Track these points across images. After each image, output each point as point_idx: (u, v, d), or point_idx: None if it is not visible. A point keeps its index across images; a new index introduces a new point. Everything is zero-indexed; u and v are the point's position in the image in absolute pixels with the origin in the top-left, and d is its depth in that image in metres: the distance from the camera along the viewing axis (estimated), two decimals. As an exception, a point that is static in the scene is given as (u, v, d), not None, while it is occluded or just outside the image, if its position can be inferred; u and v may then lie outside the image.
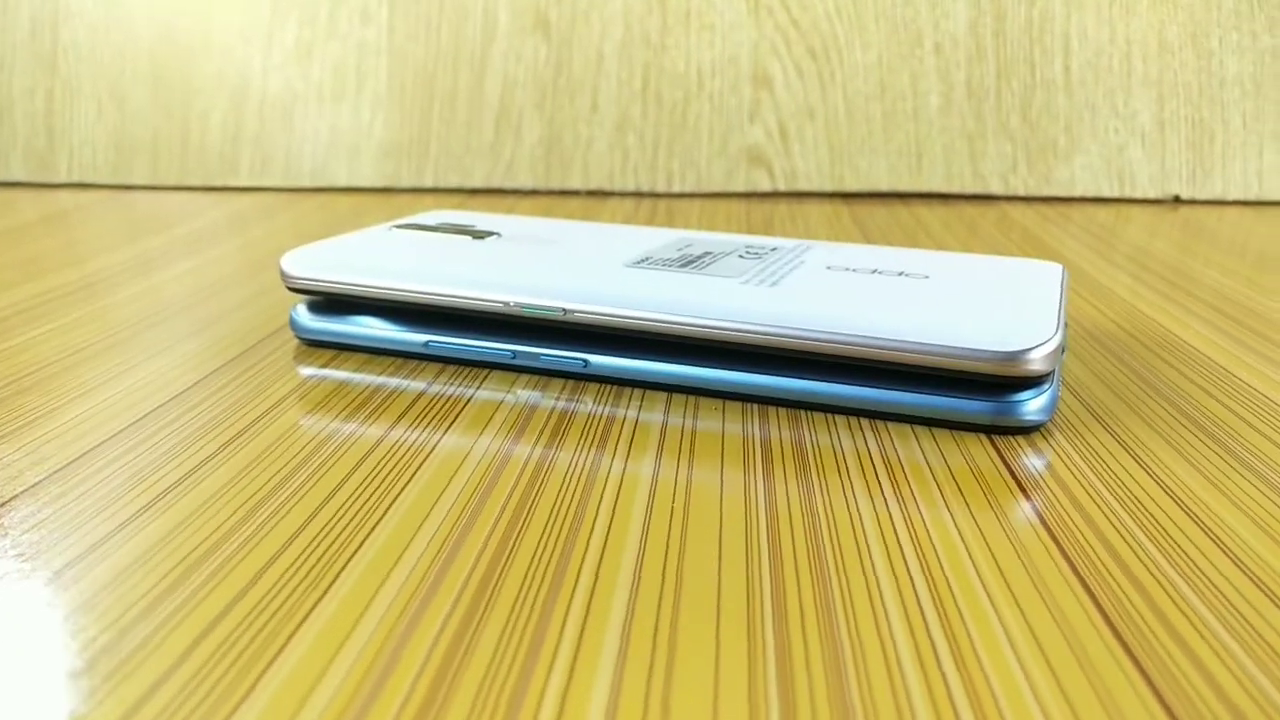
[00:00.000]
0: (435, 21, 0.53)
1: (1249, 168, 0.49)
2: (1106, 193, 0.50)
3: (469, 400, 0.23)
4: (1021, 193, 0.50)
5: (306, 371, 0.25)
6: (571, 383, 0.24)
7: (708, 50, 0.51)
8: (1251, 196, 0.49)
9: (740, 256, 0.27)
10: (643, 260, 0.26)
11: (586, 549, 0.16)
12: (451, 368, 0.25)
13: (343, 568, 0.16)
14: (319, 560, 0.16)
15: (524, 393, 0.24)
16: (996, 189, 0.50)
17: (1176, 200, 0.49)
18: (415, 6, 0.52)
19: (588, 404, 0.23)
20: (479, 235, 0.29)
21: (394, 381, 0.24)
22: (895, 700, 0.13)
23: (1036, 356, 0.21)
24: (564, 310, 0.24)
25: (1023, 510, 0.18)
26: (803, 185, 0.51)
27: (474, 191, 0.52)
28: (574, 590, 0.15)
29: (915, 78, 0.50)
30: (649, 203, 0.50)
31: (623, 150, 0.52)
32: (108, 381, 0.24)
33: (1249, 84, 0.49)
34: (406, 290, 0.25)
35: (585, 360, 0.24)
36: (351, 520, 0.17)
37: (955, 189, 0.50)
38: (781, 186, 0.51)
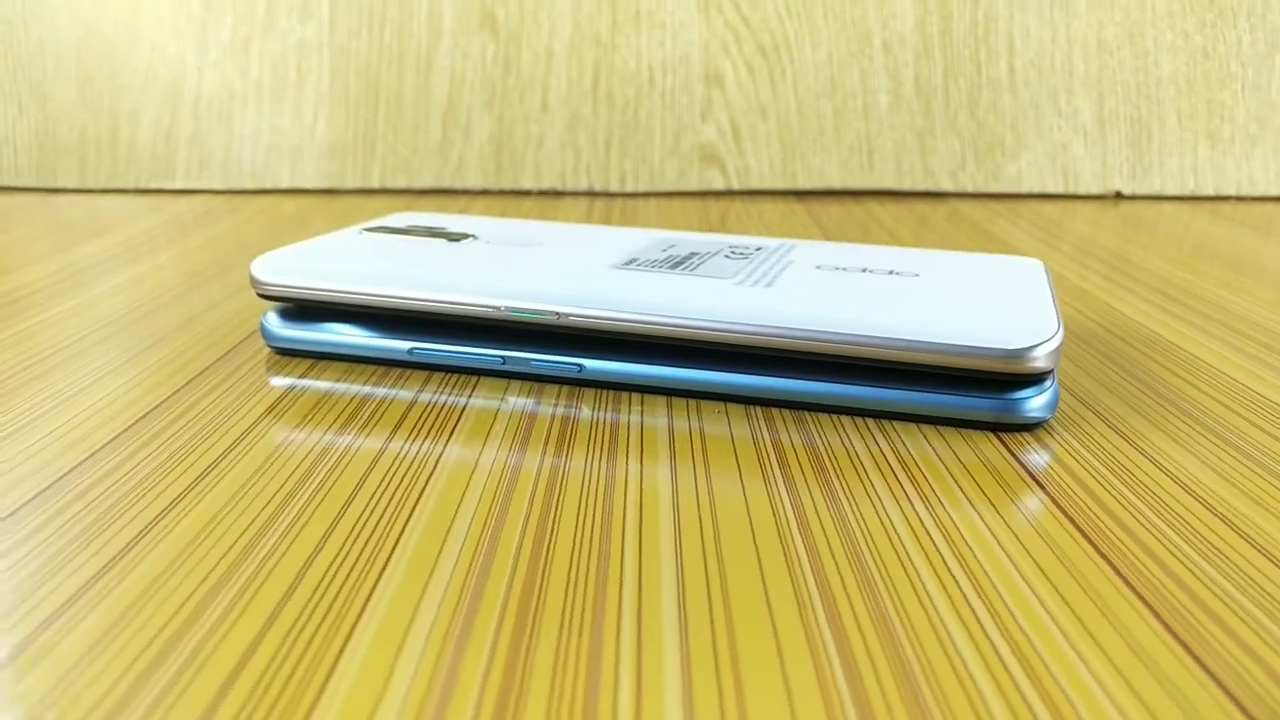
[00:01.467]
0: (379, 18, 0.51)
1: (1184, 164, 0.51)
2: (1052, 189, 0.51)
3: (464, 409, 0.22)
4: (970, 189, 0.51)
5: (282, 383, 0.24)
6: (566, 388, 0.24)
7: (658, 48, 0.51)
8: (1188, 191, 0.51)
9: (726, 257, 0.27)
10: (630, 262, 0.26)
11: (623, 562, 0.16)
12: (438, 375, 0.25)
13: (369, 595, 0.15)
14: (341, 589, 0.15)
15: (517, 400, 0.23)
16: (947, 186, 0.51)
17: (1118, 196, 0.51)
18: (357, 2, 0.51)
19: (587, 410, 0.22)
20: (454, 238, 0.29)
21: (380, 391, 0.24)
22: (969, 699, 0.12)
23: (1041, 354, 0.21)
24: (558, 314, 0.23)
25: (1043, 504, 0.18)
26: (756, 183, 0.51)
27: (423, 192, 0.51)
28: (620, 604, 0.14)
29: (865, 75, 0.51)
30: (603, 202, 0.50)
31: (574, 149, 0.51)
32: (49, 411, 0.23)
33: (1182, 83, 0.50)
34: (390, 296, 0.24)
35: (580, 365, 0.24)
36: (368, 544, 0.16)
37: (906, 186, 0.51)
38: (735, 185, 0.51)
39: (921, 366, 0.21)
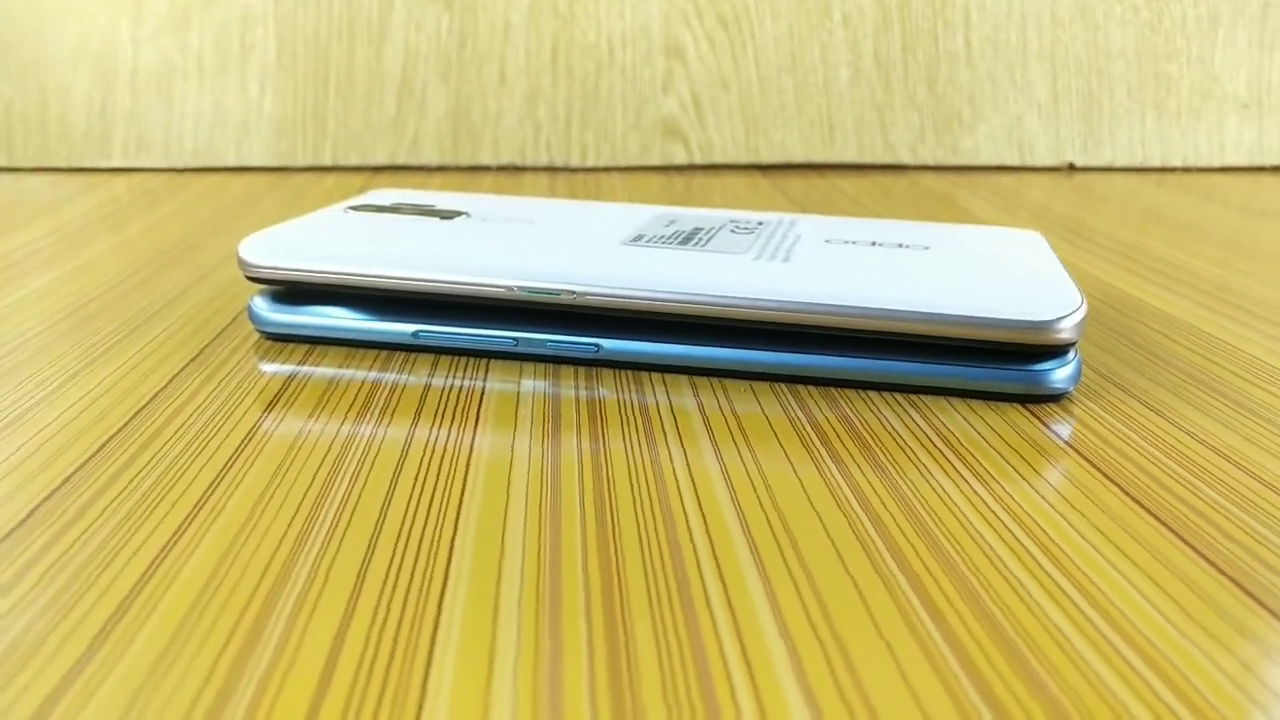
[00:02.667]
0: (326, -12, 0.49)
1: (1133, 136, 0.52)
2: (1009, 161, 0.51)
3: (483, 393, 0.22)
4: (930, 162, 0.51)
5: (280, 370, 0.23)
6: (583, 370, 0.23)
7: (618, 20, 0.50)
8: (1137, 163, 0.52)
9: (732, 232, 0.26)
10: (637, 238, 0.25)
11: (695, 552, 0.15)
12: (444, 359, 0.24)
13: (441, 596, 0.14)
14: (410, 592, 0.14)
15: (533, 383, 0.22)
16: (906, 159, 0.51)
17: (1071, 168, 0.52)
18: (302, -29, 0.49)
19: (609, 391, 0.22)
20: (446, 215, 0.28)
21: (388, 376, 0.23)
22: (1072, 662, 0.12)
23: (1067, 325, 0.21)
24: (574, 293, 0.22)
25: (1086, 470, 0.18)
26: (719, 158, 0.51)
27: (378, 169, 0.50)
28: (706, 596, 0.14)
29: (825, 49, 0.51)
30: (564, 178, 0.49)
31: (534, 123, 0.50)
32: (7, 427, 0.21)
33: (1131, 56, 0.51)
34: (394, 276, 0.23)
35: (598, 345, 0.23)
36: (423, 543, 0.16)
37: (867, 159, 0.51)
38: (698, 159, 0.51)
39: (951, 340, 0.21)
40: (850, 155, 0.51)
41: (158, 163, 0.49)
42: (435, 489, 0.17)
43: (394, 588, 0.14)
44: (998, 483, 0.18)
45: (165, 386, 0.22)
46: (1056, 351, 0.21)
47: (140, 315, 0.27)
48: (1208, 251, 0.35)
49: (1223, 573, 0.15)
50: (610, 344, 0.23)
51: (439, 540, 0.15)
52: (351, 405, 0.21)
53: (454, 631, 0.13)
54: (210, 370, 0.23)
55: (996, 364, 0.21)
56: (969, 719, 0.12)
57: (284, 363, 0.23)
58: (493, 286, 0.23)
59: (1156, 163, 0.52)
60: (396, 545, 0.15)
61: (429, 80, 0.50)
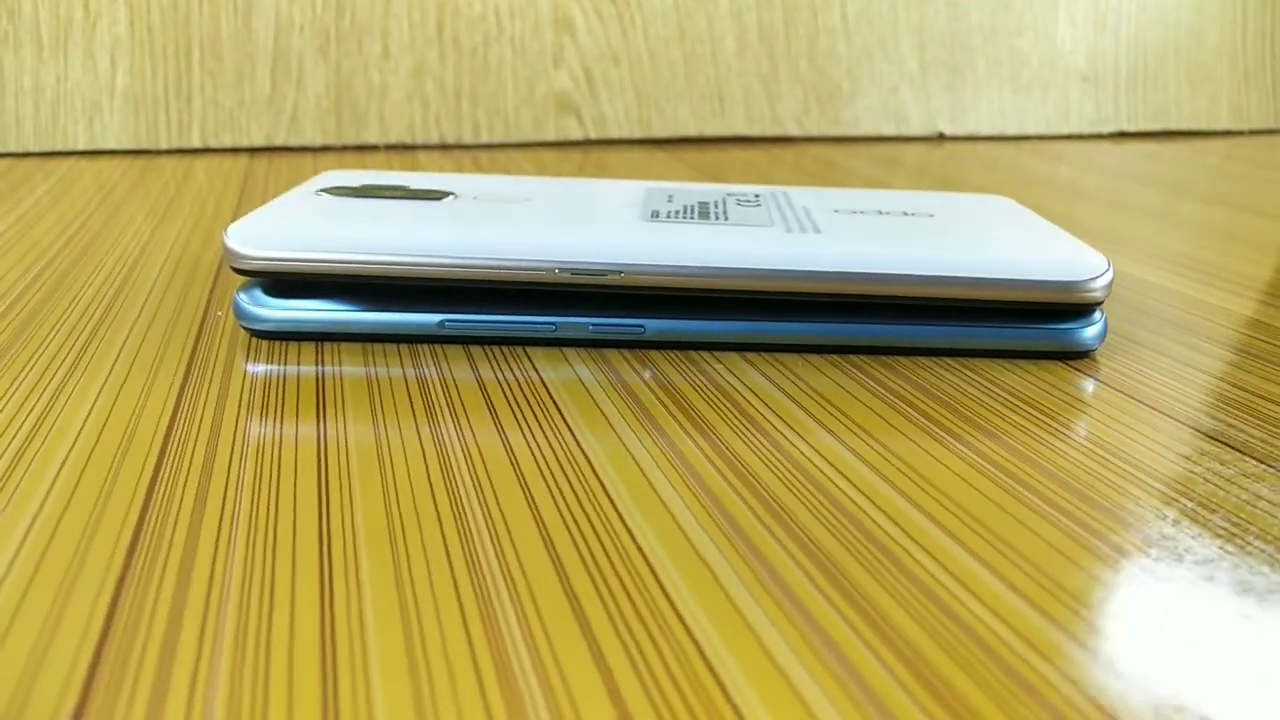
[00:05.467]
0: (180, -50, 0.45)
1: (993, 107, 0.55)
2: (886, 131, 0.54)
3: (545, 385, 0.20)
4: (815, 133, 0.53)
5: (297, 371, 0.21)
6: (628, 352, 0.22)
7: (504, -9, 0.48)
8: (997, 132, 0.55)
9: (740, 204, 0.26)
10: (654, 214, 0.24)
11: (888, 533, 0.15)
12: (477, 349, 0.22)
13: (681, 619, 0.13)
14: (635, 608, 0.13)
15: (585, 369, 0.21)
16: (794, 130, 0.52)
17: (941, 137, 0.55)
18: (151, -69, 0.44)
19: (673, 374, 0.21)
20: (434, 196, 0.26)
21: (428, 372, 0.21)
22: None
23: (1099, 285, 0.22)
24: (620, 272, 0.22)
25: (1155, 414, 0.19)
26: (613, 132, 0.50)
27: (255, 150, 0.46)
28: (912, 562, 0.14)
29: (711, 21, 0.51)
30: (461, 155, 0.47)
31: (422, 99, 0.48)
32: None
33: (988, 31, 0.55)
34: (422, 263, 0.21)
35: (642, 326, 0.22)
36: (614, 563, 0.15)
37: (757, 132, 0.52)
38: (592, 134, 0.50)
39: (995, 303, 0.22)
40: (740, 128, 0.52)
41: (-9, 147, 0.43)
42: (578, 497, 0.16)
43: (622, 618, 0.13)
44: (1097, 431, 0.18)
45: (175, 413, 0.19)
46: (1086, 310, 0.23)
47: (69, 327, 0.24)
48: (1092, 208, 0.38)
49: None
50: (655, 324, 0.22)
51: (626, 555, 0.14)
52: (413, 406, 0.19)
53: (723, 639, 0.12)
54: (204, 382, 0.20)
55: (1032, 324, 0.22)
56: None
57: (297, 364, 0.21)
58: (533, 269, 0.22)
59: (1014, 131, 0.55)
60: (590, 572, 0.14)
61: (305, 53, 0.46)
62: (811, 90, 0.52)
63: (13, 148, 0.43)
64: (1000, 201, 0.28)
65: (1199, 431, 0.19)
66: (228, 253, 0.22)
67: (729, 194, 0.27)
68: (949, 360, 0.22)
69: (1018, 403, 0.20)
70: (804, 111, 0.52)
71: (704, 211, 0.25)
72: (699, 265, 0.22)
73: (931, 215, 0.26)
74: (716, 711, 0.11)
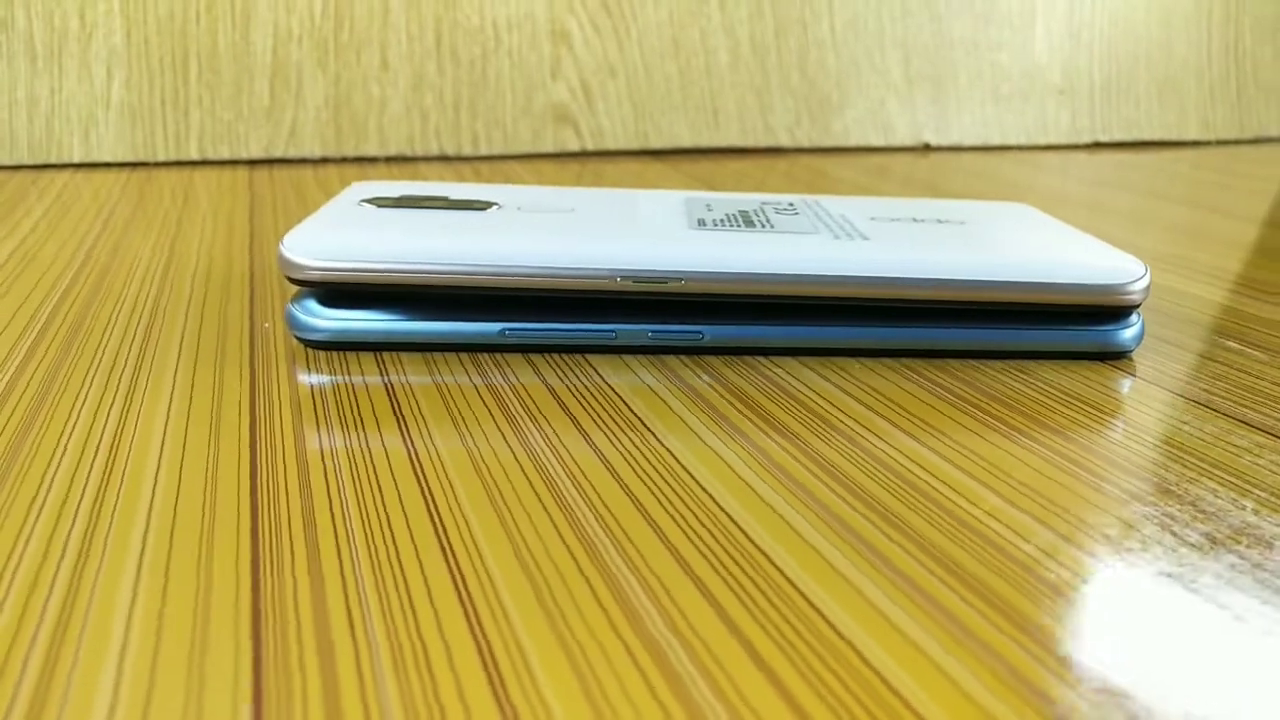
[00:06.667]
0: (176, -38, 0.44)
1: (975, 119, 0.57)
2: (874, 142, 0.55)
3: (614, 390, 0.21)
4: (806, 145, 0.53)
5: (363, 381, 0.21)
6: (686, 359, 0.23)
7: (502, 5, 0.48)
8: (980, 142, 0.57)
9: (778, 212, 0.26)
10: (700, 223, 0.25)
11: (1002, 538, 0.16)
12: (540, 357, 0.22)
13: (834, 614, 0.14)
14: (794, 613, 0.14)
15: (649, 375, 0.22)
16: (785, 142, 0.53)
17: (927, 148, 0.56)
18: (146, -58, 0.44)
19: (737, 378, 0.21)
20: (478, 206, 0.26)
21: (496, 379, 0.21)
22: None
23: (1138, 288, 0.23)
24: (680, 278, 0.22)
25: (1202, 408, 0.20)
26: (610, 144, 0.51)
27: (255, 163, 0.45)
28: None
29: (704, 34, 0.52)
30: (462, 166, 0.47)
31: (421, 111, 0.48)
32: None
33: (970, 45, 0.56)
34: (487, 271, 0.22)
35: (701, 332, 0.23)
36: (752, 575, 0.15)
37: (750, 143, 0.53)
38: (590, 146, 0.50)
39: (1043, 306, 0.23)
40: (734, 139, 0.52)
41: (-16, 160, 0.42)
42: (684, 501, 0.16)
43: (761, 612, 0.14)
44: (1162, 425, 0.19)
45: (253, 428, 0.19)
46: (1125, 312, 0.23)
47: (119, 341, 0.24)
48: (1073, 212, 0.39)
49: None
50: (713, 330, 0.23)
51: (749, 556, 0.15)
52: (490, 414, 0.19)
53: (871, 637, 0.13)
54: (280, 394, 0.20)
55: (1075, 327, 0.23)
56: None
57: (361, 374, 0.21)
58: (596, 277, 0.22)
59: (997, 142, 0.57)
60: (719, 573, 0.15)
61: (304, 65, 0.46)
62: (803, 102, 0.53)
63: (6, 160, 0.42)
64: (1022, 209, 0.29)
65: (1247, 425, 0.20)
66: (286, 264, 0.22)
67: (764, 203, 0.28)
68: (997, 362, 0.23)
69: (1074, 400, 0.21)
70: (795, 123, 0.53)
71: (747, 220, 0.25)
72: (761, 272, 0.22)
73: (963, 223, 0.27)
74: (873, 692, 0.12)
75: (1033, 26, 0.57)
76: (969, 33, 0.56)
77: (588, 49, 0.50)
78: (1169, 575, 0.14)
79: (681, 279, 0.22)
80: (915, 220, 0.27)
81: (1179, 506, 0.16)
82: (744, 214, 0.26)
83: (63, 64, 0.43)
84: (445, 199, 0.27)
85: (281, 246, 0.22)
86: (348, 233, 0.23)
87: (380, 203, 0.26)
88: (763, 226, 0.25)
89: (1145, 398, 0.21)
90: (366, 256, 0.22)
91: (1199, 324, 0.26)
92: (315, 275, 0.22)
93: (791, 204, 0.28)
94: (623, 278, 0.22)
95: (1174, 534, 0.15)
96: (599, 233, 0.24)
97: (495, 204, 0.26)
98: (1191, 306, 0.28)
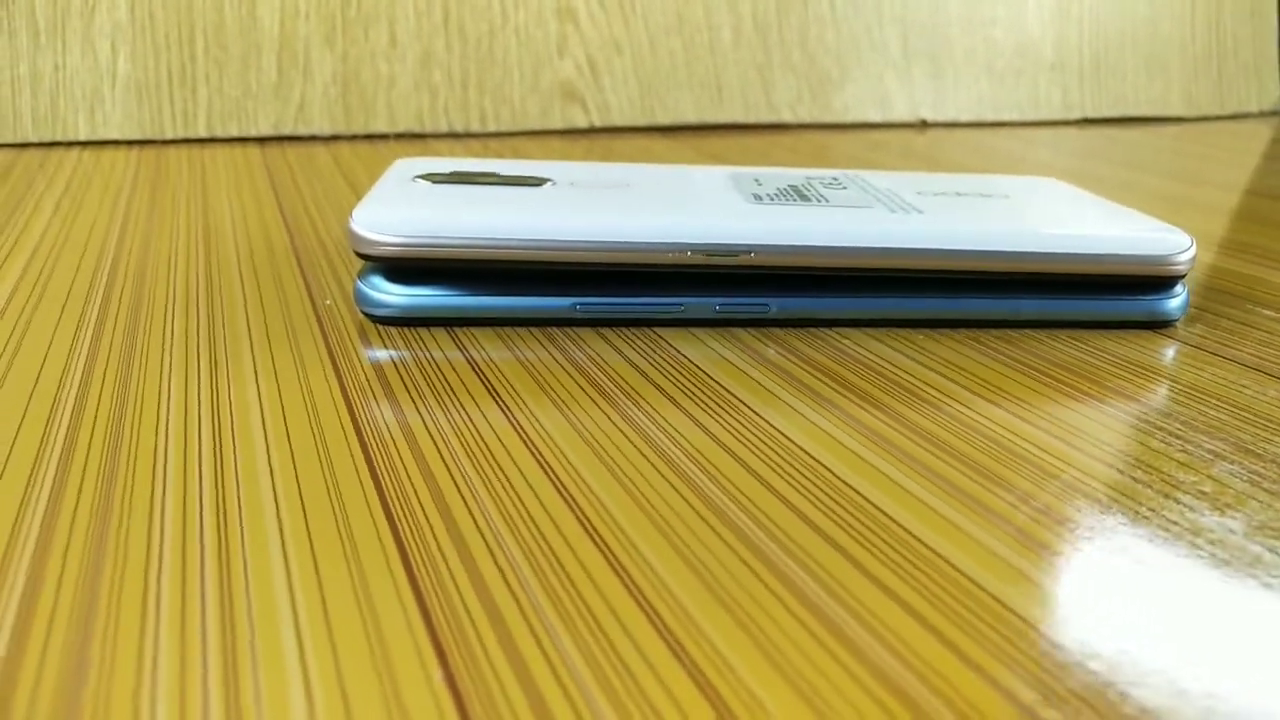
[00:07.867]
0: (179, -65, 0.43)
1: (970, 95, 0.57)
2: (873, 118, 0.55)
3: (693, 363, 0.21)
4: (808, 121, 0.54)
5: (444, 357, 0.21)
6: (754, 330, 0.23)
7: (508, -21, 0.48)
8: (975, 118, 0.58)
9: (827, 186, 0.27)
10: (755, 198, 0.25)
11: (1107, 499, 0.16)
12: (615, 331, 0.23)
13: (955, 588, 0.14)
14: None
15: (722, 347, 0.22)
16: (788, 118, 0.54)
17: (924, 124, 0.57)
18: (149, -85, 0.43)
19: (797, 349, 0.22)
20: (534, 182, 0.26)
21: (576, 354, 0.21)
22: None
23: (1185, 259, 0.24)
24: (750, 251, 0.22)
25: (1257, 373, 0.21)
26: (617, 120, 0.51)
27: (264, 140, 0.45)
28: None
29: (708, 11, 0.52)
30: (467, 142, 0.47)
31: (429, 88, 0.47)
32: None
33: (964, 21, 0.57)
34: (561, 245, 0.22)
35: (767, 304, 0.23)
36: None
37: (754, 119, 0.53)
38: (597, 122, 0.50)
39: (1097, 277, 0.23)
40: (738, 115, 0.53)
41: (-12, 138, 0.41)
42: (803, 474, 0.17)
43: (917, 592, 0.14)
44: (1211, 385, 0.20)
45: (349, 406, 0.19)
46: (1171, 282, 0.24)
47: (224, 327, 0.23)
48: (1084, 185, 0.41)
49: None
50: (780, 302, 0.23)
51: (893, 535, 0.15)
52: (582, 389, 0.20)
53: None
54: (364, 370, 0.21)
55: (1124, 296, 0.24)
56: None
57: (439, 348, 0.21)
58: (666, 251, 0.22)
59: (991, 118, 0.58)
60: (862, 545, 0.15)
61: (312, 41, 0.45)
62: (804, 78, 0.54)
63: (10, 138, 0.42)
64: (1054, 183, 0.30)
65: (1305, 390, 0.20)
66: (359, 240, 0.22)
67: (810, 177, 0.28)
68: (1051, 331, 0.24)
69: (1138, 367, 0.22)
70: (797, 99, 0.54)
71: (801, 194, 0.26)
72: (831, 244, 0.22)
73: (1007, 196, 0.27)
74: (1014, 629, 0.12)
75: (1025, 2, 0.58)
76: (964, 8, 0.57)
77: (594, 25, 0.50)
78: (1269, 528, 0.15)
79: (751, 252, 0.22)
80: (959, 194, 0.27)
81: (1263, 465, 0.17)
82: (795, 189, 0.26)
83: (65, 39, 0.42)
84: (496, 175, 0.27)
85: (352, 223, 0.22)
86: (416, 209, 0.23)
87: (434, 178, 0.26)
88: (818, 201, 0.25)
89: (1201, 363, 0.22)
90: (441, 231, 0.22)
91: (1219, 290, 0.27)
92: (389, 251, 0.22)
93: (836, 179, 0.28)
94: (694, 251, 0.22)
95: (1266, 489, 0.16)
96: (664, 208, 0.24)
97: (549, 180, 0.26)
98: (1201, 273, 0.29)
